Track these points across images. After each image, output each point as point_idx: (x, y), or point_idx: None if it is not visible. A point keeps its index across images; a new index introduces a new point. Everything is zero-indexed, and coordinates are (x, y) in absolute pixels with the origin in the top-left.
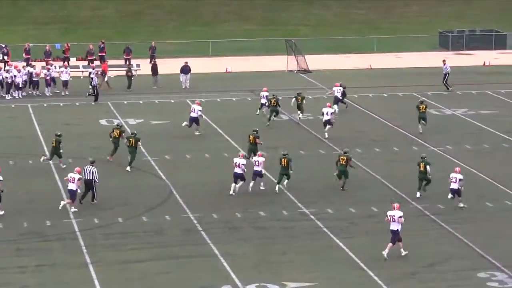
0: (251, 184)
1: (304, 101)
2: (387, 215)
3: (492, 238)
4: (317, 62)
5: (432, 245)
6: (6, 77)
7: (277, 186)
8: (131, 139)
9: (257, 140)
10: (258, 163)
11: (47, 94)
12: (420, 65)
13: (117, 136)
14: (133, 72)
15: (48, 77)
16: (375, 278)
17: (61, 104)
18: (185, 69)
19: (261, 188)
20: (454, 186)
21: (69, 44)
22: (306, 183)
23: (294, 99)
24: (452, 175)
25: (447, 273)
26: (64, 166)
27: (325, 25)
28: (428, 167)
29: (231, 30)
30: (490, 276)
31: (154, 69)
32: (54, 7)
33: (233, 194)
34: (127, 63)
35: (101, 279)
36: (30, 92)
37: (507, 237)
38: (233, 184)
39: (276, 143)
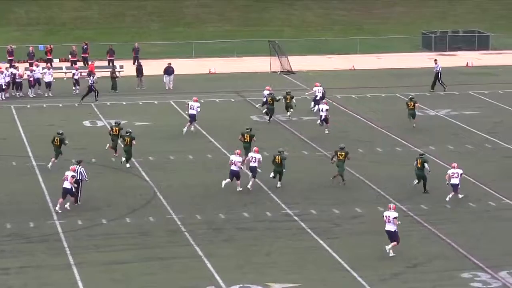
0: (250, 183)
1: (293, 100)
2: (383, 216)
3: (475, 238)
4: (300, 63)
5: (416, 245)
6: None
7: (272, 174)
8: (126, 138)
9: (253, 139)
10: (255, 159)
11: (31, 96)
12: (403, 66)
13: (116, 134)
14: (117, 74)
15: (31, 78)
16: (359, 279)
17: (45, 106)
18: (169, 70)
19: (248, 186)
20: (455, 181)
21: (51, 46)
22: (290, 184)
23: (283, 98)
24: (451, 171)
25: (430, 274)
26: (49, 165)
27: (308, 26)
28: (426, 164)
29: (214, 31)
30: (473, 276)
31: (139, 70)
32: (37, 9)
33: (222, 187)
34: (110, 64)
35: (85, 280)
36: (13, 94)
37: (491, 238)
38: (228, 180)
39: (259, 145)
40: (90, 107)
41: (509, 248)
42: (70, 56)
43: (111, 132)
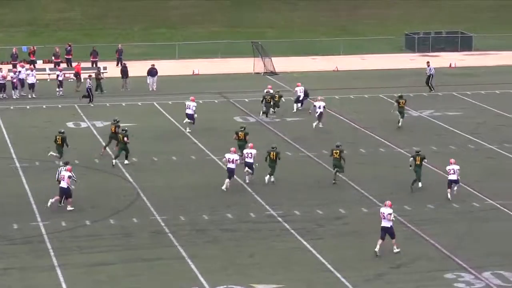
0: (247, 180)
1: (282, 99)
2: (380, 212)
3: (459, 239)
4: (283, 64)
5: (400, 246)
6: None
7: (271, 177)
8: (120, 135)
9: (247, 137)
10: (251, 155)
11: (14, 97)
12: (387, 67)
13: (113, 131)
14: (102, 75)
15: (15, 80)
16: (343, 279)
17: (28, 107)
18: (152, 72)
19: (246, 181)
20: (453, 177)
21: (35, 47)
22: (273, 185)
23: (271, 97)
24: (449, 167)
25: (414, 274)
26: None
27: (292, 27)
28: (425, 160)
29: (198, 32)
30: (457, 277)
31: (124, 71)
32: (20, 10)
33: (225, 189)
34: (94, 65)
35: (69, 282)
36: None
37: (474, 238)
38: (227, 180)
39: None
40: (73, 108)
41: (492, 249)
42: (53, 58)
43: (110, 129)
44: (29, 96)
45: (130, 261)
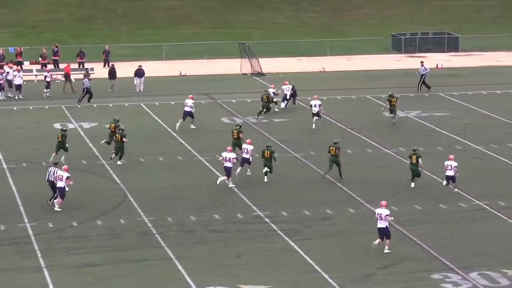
0: (238, 170)
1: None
2: (375, 213)
3: (446, 239)
4: (270, 65)
5: (391, 248)
6: None
7: (265, 177)
8: (117, 135)
9: (240, 135)
10: (247, 150)
11: (1, 98)
12: (374, 67)
13: (113, 130)
14: (91, 76)
15: (2, 81)
16: (330, 280)
17: (15, 108)
18: (139, 73)
19: (247, 174)
20: (450, 173)
21: (22, 48)
22: (261, 185)
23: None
24: (447, 162)
25: (401, 275)
26: (63, 162)
27: (278, 28)
28: (419, 159)
29: (185, 33)
30: (444, 277)
31: (112, 73)
32: (7, 11)
33: (218, 183)
34: (81, 66)
35: (56, 283)
36: None
37: (461, 239)
38: (224, 177)
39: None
40: (60, 109)
41: (479, 249)
42: (40, 59)
43: (109, 128)
44: (16, 97)
45: (117, 262)
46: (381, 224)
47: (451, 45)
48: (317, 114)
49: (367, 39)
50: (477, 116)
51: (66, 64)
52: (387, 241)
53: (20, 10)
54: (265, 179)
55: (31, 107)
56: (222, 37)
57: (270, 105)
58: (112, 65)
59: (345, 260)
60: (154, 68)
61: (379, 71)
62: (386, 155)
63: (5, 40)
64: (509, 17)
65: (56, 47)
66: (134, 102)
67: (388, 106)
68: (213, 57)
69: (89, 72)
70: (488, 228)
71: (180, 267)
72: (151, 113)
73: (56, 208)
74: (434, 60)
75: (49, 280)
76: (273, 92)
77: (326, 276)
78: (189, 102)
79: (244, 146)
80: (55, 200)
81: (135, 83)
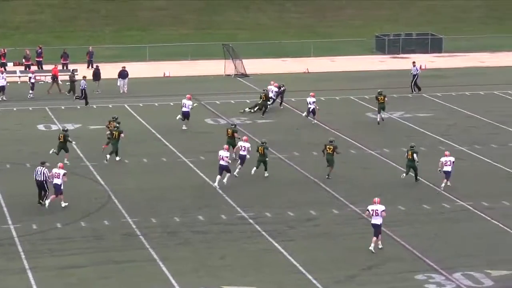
0: (237, 169)
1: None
2: (368, 210)
3: (429, 240)
4: (254, 66)
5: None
6: None
7: (254, 169)
8: (114, 132)
9: (235, 134)
10: (244, 148)
11: None
12: (357, 68)
13: (110, 127)
14: (76, 78)
15: None
16: (314, 281)
17: None
18: (123, 74)
19: (234, 173)
20: (448, 168)
21: (5, 49)
22: (245, 187)
23: (259, 96)
24: (444, 158)
25: (385, 276)
26: (68, 162)
27: (262, 29)
28: (415, 155)
29: (168, 34)
30: (427, 278)
31: (97, 74)
32: None
33: (217, 186)
34: (65, 68)
35: (40, 284)
36: None
37: (445, 240)
38: (218, 176)
39: (215, 147)
40: (44, 111)
41: (463, 250)
42: (24, 60)
43: (109, 126)
44: (0, 99)
45: (101, 264)
46: (377, 220)
47: (435, 46)
48: (313, 112)
49: (351, 40)
50: (461, 117)
51: (53, 66)
52: (379, 236)
53: (3, 11)
54: (252, 171)
55: (15, 109)
56: (208, 38)
57: (268, 103)
58: (97, 66)
59: (329, 261)
60: (138, 69)
61: (362, 72)
62: (369, 156)
63: None
64: (495, 18)
65: (40, 48)
66: (118, 103)
67: (377, 104)
68: (197, 58)
69: (75, 73)
70: (472, 229)
71: (164, 269)
72: (135, 114)
73: (47, 204)
74: (418, 61)
75: (33, 281)
76: (263, 90)
77: (310, 277)
78: (188, 102)
79: (241, 143)
80: (46, 201)
81: (118, 84)
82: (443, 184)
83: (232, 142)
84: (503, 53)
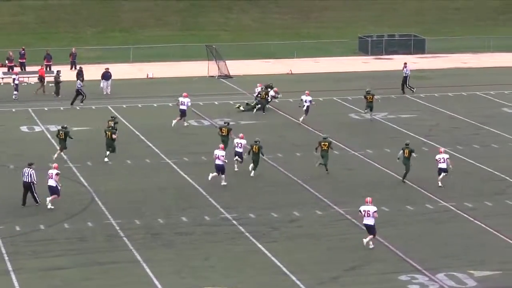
0: (235, 168)
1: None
2: (360, 211)
3: (413, 241)
4: (237, 67)
5: (354, 248)
6: None
7: (252, 172)
8: (107, 132)
9: (230, 132)
10: (240, 144)
11: None
12: (341, 69)
13: (108, 126)
14: (61, 79)
15: None
16: (298, 282)
17: None
18: (106, 75)
19: (235, 169)
20: (443, 165)
21: None
22: (228, 188)
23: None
24: (439, 156)
25: (369, 277)
26: (54, 158)
27: (245, 30)
28: (413, 153)
29: (152, 35)
30: (411, 278)
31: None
32: None
33: (210, 179)
34: (48, 69)
35: (24, 286)
36: None
37: (428, 240)
38: (214, 174)
39: (198, 149)
40: (27, 112)
41: (446, 251)
42: (7, 62)
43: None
44: None
45: (85, 265)
46: (369, 221)
47: (418, 47)
48: (307, 110)
49: (334, 41)
50: (444, 118)
51: (39, 67)
52: (371, 236)
53: None
54: (252, 174)
55: None
56: (191, 39)
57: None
58: (80, 67)
59: (313, 262)
60: (121, 71)
61: (346, 73)
62: (353, 156)
63: None
64: (478, 19)
65: (23, 49)
66: (101, 105)
67: (365, 103)
68: (180, 59)
69: (60, 74)
70: (455, 230)
71: (148, 270)
72: (118, 115)
73: (49, 206)
74: (401, 62)
75: (16, 283)
76: (275, 93)
77: (294, 278)
78: (185, 100)
79: (237, 140)
80: (49, 203)
81: (101, 85)
82: (440, 178)
83: (226, 140)
84: (484, 54)
